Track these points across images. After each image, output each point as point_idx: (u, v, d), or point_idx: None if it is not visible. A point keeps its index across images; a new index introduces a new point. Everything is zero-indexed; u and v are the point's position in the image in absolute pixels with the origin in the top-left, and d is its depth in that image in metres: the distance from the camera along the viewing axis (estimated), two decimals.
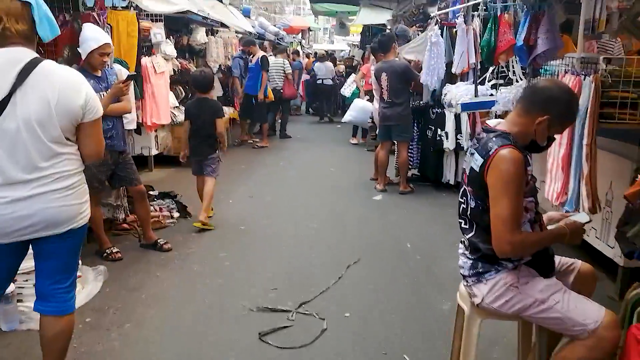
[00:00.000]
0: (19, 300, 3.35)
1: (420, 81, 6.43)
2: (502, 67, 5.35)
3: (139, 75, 5.61)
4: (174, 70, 8.00)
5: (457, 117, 6.82)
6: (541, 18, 4.22)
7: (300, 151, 10.01)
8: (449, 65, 6.18)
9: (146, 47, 6.64)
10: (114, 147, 4.38)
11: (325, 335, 3.36)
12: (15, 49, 2.26)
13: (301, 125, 13.24)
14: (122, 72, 4.53)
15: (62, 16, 4.51)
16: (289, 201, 6.51)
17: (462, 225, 2.51)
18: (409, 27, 9.52)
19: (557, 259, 2.54)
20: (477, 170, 2.32)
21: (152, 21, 7.39)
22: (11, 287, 3.22)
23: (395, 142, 7.14)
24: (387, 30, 15.45)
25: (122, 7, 5.64)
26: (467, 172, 2.43)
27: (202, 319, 3.57)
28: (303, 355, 3.15)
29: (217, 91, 9.03)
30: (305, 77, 14.80)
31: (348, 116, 9.81)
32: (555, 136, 2.44)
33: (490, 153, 2.28)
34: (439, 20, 6.69)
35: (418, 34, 9.21)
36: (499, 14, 4.59)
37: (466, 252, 2.50)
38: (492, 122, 2.52)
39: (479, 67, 6.39)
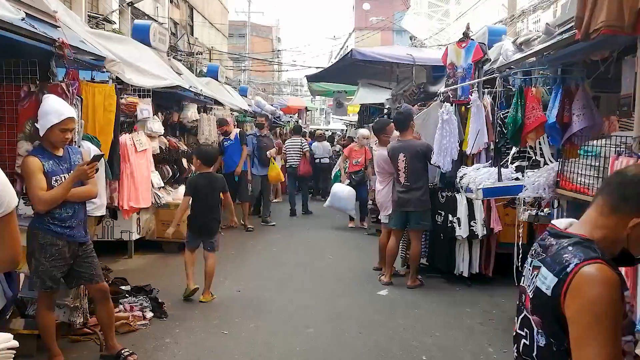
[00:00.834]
0: None
1: (431, 162, 5.82)
2: (524, 147, 4.75)
3: (115, 153, 4.98)
4: (160, 148, 7.42)
5: (470, 202, 6.16)
6: (575, 92, 3.66)
7: (294, 234, 9.26)
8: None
9: (127, 123, 6.07)
10: (74, 239, 3.65)
11: None
12: None
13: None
14: (91, 151, 3.90)
15: (26, 86, 3.93)
16: (282, 297, 5.69)
17: None
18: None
19: None
20: (549, 294, 1.61)
21: (140, 96, 6.91)
22: None
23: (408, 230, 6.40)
24: (385, 111, 15.30)
25: (101, 80, 5.10)
26: (530, 293, 1.72)
27: None
28: None
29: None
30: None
31: (328, 202, 9.67)
32: None
33: (569, 270, 1.57)
34: (449, 97, 6.20)
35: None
36: (524, 87, 4.04)
37: None
38: (560, 223, 1.82)
39: (491, 146, 5.90)
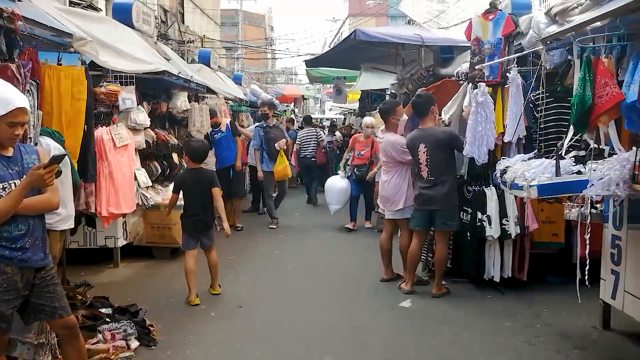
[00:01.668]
0: None
1: (463, 152, 5.02)
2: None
3: (89, 151, 4.15)
4: (147, 142, 6.60)
5: (501, 198, 5.40)
6: None
7: (298, 235, 8.46)
8: None
9: (104, 114, 5.24)
10: (29, 263, 2.84)
11: None
12: None
13: (296, 201, 11.72)
14: (50, 149, 3.09)
15: None
16: (290, 313, 4.91)
17: None
18: None
19: None
20: None
21: (122, 84, 6.09)
22: None
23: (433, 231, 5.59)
24: (388, 94, 14.45)
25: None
26: None
27: None
28: None
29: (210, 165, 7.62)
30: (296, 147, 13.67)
31: (330, 206, 8.74)
32: None
33: None
34: (475, 77, 5.40)
35: None
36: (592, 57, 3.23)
37: None
38: None
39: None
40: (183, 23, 22.49)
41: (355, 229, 8.58)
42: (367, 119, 9.02)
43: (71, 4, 9.11)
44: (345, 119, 20.72)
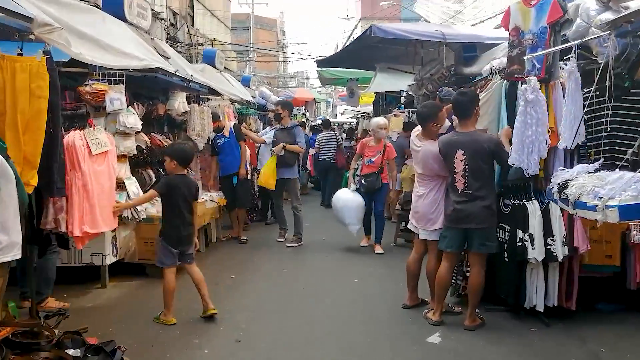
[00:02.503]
0: None
1: (509, 162, 4.22)
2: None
3: (56, 160, 3.42)
4: (140, 148, 5.91)
5: (545, 213, 4.61)
6: None
7: (309, 249, 7.68)
8: None
9: (78, 116, 4.53)
10: None
11: None
12: None
13: (307, 209, 10.72)
14: None
15: None
16: (297, 351, 4.15)
17: None
18: None
19: None
20: None
21: (111, 83, 5.41)
22: None
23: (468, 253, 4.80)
24: (403, 100, 13.67)
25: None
26: None
27: None
28: None
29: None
30: (312, 151, 12.99)
31: (351, 227, 7.42)
32: None
33: None
34: (514, 73, 4.62)
35: None
36: None
37: None
38: None
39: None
40: (193, 26, 21.97)
41: (370, 244, 7.60)
42: (378, 119, 7.86)
43: None
44: (357, 122, 19.96)
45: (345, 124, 25.02)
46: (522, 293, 4.74)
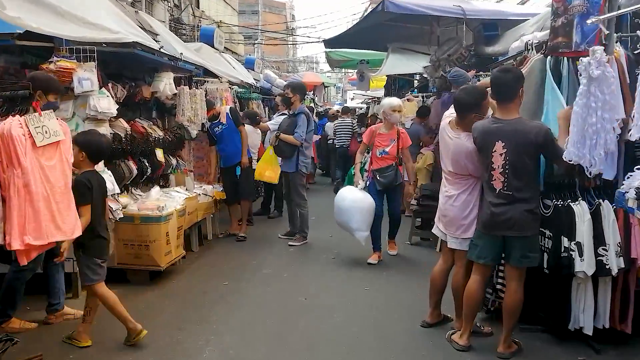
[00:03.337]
0: None
1: (565, 157, 3.37)
2: None
3: None
4: (118, 136, 5.14)
5: (596, 217, 3.79)
6: None
7: (314, 248, 6.90)
8: None
9: (20, 98, 3.74)
10: None
11: None
12: None
13: (312, 201, 9.69)
14: None
15: None
16: None
17: None
18: None
19: None
20: None
21: (80, 60, 4.63)
22: None
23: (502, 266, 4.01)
24: (416, 83, 12.80)
25: None
26: None
27: None
28: None
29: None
30: (315, 137, 12.24)
31: (358, 233, 6.02)
32: None
33: None
34: (557, 48, 3.77)
35: (479, 79, 6.43)
36: None
37: None
38: None
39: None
40: (198, 7, 21.13)
41: (381, 260, 6.22)
42: (394, 100, 6.47)
43: None
44: (368, 107, 19.08)
45: (357, 109, 24.15)
46: (566, 312, 3.95)
